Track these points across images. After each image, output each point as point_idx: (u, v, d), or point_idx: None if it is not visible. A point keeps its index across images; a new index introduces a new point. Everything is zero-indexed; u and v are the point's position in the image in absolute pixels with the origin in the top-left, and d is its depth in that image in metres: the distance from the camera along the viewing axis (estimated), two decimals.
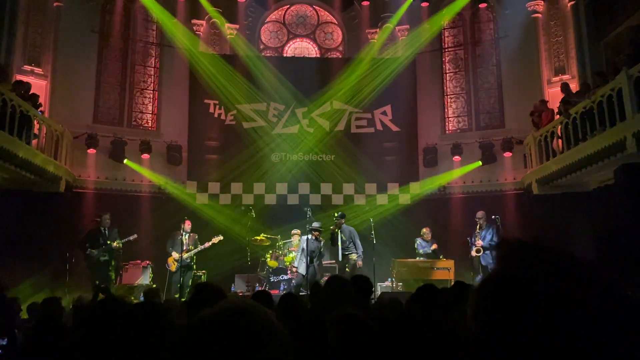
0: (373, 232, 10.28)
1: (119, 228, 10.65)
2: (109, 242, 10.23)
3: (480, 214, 10.84)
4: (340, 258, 10.25)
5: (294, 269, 10.35)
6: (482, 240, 10.50)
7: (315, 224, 10.11)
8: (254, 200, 12.52)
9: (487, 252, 10.32)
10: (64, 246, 10.55)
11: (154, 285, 10.06)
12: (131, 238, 10.51)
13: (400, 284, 10.47)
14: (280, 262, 11.00)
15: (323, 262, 11.41)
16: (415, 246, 11.11)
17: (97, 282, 9.49)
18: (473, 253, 10.58)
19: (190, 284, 10.16)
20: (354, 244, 10.30)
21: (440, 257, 10.89)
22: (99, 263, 10.09)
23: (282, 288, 10.58)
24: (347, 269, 10.06)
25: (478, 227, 10.71)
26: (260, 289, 10.36)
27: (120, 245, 10.33)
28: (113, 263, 10.31)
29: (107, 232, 10.38)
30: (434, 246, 11.00)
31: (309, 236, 9.94)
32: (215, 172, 12.76)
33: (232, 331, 0.96)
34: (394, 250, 11.17)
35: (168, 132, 13.14)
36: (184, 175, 12.74)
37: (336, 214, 10.46)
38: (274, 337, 0.98)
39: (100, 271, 10.07)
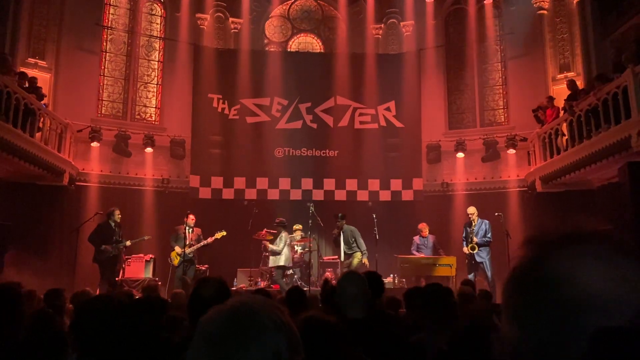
0: (376, 228, 10.28)
1: (122, 222, 10.65)
2: (121, 239, 10.22)
3: (471, 209, 10.65)
4: (342, 258, 10.46)
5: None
6: (475, 237, 10.29)
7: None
8: (257, 195, 12.52)
9: (482, 248, 10.19)
10: (68, 239, 10.56)
11: (157, 279, 10.09)
12: (145, 238, 10.58)
13: (404, 280, 10.47)
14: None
15: (324, 258, 11.62)
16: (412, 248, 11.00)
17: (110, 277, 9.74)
18: (466, 250, 10.36)
19: (192, 278, 10.16)
20: (357, 244, 10.35)
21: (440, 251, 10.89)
22: (108, 258, 10.09)
23: None
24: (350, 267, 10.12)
25: (472, 223, 10.52)
26: (262, 283, 10.40)
27: (129, 243, 10.38)
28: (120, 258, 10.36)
29: (117, 227, 10.37)
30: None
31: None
32: (218, 167, 12.74)
33: (239, 329, 0.95)
34: (396, 247, 11.15)
35: (172, 126, 13.11)
36: (187, 170, 12.74)
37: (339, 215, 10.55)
38: (282, 334, 0.97)
39: (109, 265, 10.08)
